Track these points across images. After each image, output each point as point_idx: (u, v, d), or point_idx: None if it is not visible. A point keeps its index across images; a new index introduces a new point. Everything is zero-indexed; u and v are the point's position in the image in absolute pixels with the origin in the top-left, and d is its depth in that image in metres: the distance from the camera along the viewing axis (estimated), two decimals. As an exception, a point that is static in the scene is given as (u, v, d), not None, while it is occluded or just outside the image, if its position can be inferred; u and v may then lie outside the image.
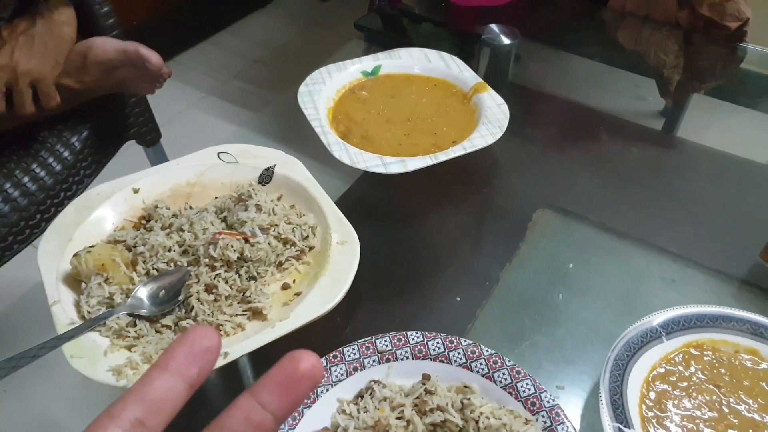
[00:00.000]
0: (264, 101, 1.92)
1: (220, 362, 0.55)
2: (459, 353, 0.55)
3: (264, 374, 0.23)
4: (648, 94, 1.03)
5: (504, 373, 0.53)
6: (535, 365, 0.59)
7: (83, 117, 0.95)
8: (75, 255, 0.63)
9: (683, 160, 0.88)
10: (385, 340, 0.57)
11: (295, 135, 0.90)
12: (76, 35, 0.86)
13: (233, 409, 0.23)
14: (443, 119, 0.89)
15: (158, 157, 1.11)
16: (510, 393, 0.52)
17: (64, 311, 0.60)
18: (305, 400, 0.53)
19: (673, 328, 0.53)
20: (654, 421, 0.47)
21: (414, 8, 1.38)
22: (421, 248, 0.76)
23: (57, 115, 0.91)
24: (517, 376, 0.52)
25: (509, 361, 0.54)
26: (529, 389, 0.51)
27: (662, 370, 0.51)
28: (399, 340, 0.57)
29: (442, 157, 0.77)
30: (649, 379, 0.50)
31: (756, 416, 0.48)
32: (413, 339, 0.57)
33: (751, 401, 0.49)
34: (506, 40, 0.99)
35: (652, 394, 0.49)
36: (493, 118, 0.84)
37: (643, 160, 0.89)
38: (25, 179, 0.86)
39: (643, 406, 0.48)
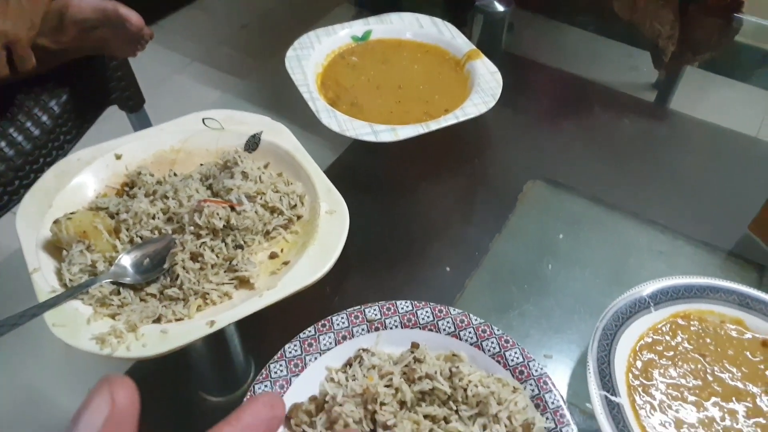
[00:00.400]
0: (251, 67, 1.89)
1: (207, 330, 0.55)
2: (448, 322, 0.56)
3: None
4: (642, 65, 1.02)
5: (492, 342, 0.53)
6: (524, 334, 0.59)
7: (62, 80, 0.92)
8: (55, 222, 0.62)
9: (675, 132, 0.89)
10: (375, 309, 0.57)
11: (283, 101, 0.89)
12: None
13: None
14: (435, 87, 0.88)
15: (142, 123, 1.09)
16: (498, 361, 0.52)
17: (44, 279, 0.59)
18: (294, 369, 0.53)
19: (661, 298, 0.54)
20: (640, 389, 0.48)
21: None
22: (411, 218, 0.76)
23: (34, 78, 0.88)
24: (505, 344, 0.53)
25: (498, 330, 0.54)
26: (518, 358, 0.52)
27: (649, 340, 0.52)
28: (388, 309, 0.57)
29: (433, 125, 0.77)
30: (637, 348, 0.51)
31: (739, 384, 0.49)
32: (402, 308, 0.57)
33: (734, 370, 0.50)
34: (500, 7, 0.98)
35: (639, 363, 0.50)
36: (486, 86, 0.83)
37: (635, 132, 0.89)
38: (2, 143, 0.84)
39: (630, 375, 0.49)
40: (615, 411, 0.46)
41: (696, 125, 0.89)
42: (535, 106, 0.93)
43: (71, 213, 0.63)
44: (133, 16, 0.84)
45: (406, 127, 0.77)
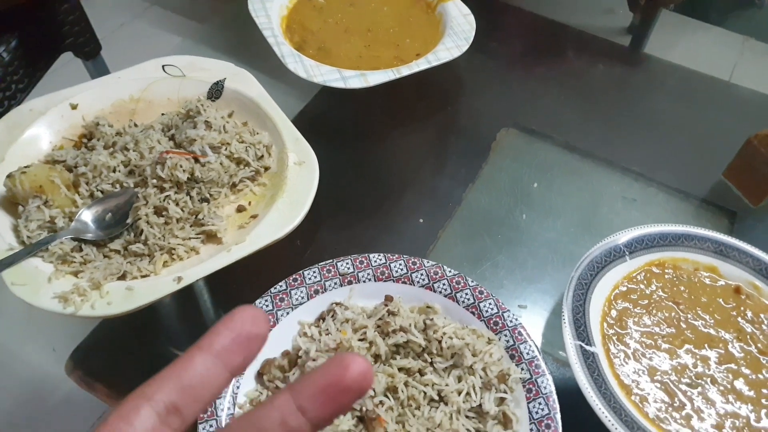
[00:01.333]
0: (212, 10, 1.78)
1: (175, 287, 0.52)
2: (422, 274, 0.54)
3: (309, 372, 0.20)
4: (617, 8, 0.98)
5: (467, 294, 0.52)
6: (498, 285, 0.58)
7: (9, 26, 0.85)
8: (8, 176, 0.58)
9: (649, 77, 0.86)
10: (347, 263, 0.55)
11: (246, 46, 0.83)
12: None
13: (270, 407, 0.20)
14: (406, 30, 0.83)
15: (99, 71, 1.02)
16: (473, 313, 0.51)
17: (1, 236, 0.55)
18: (264, 325, 0.51)
19: (636, 247, 0.53)
20: (614, 338, 0.47)
21: None
22: (382, 168, 0.73)
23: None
24: (479, 296, 0.52)
25: (472, 281, 0.53)
26: (492, 309, 0.51)
27: (624, 289, 0.51)
28: (361, 262, 0.55)
29: (405, 71, 0.73)
30: (611, 297, 0.50)
31: (711, 331, 0.49)
32: (375, 261, 0.55)
33: (707, 317, 0.49)
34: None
35: (614, 312, 0.49)
36: (458, 29, 0.79)
37: (609, 78, 0.86)
38: (-52, 94, 0.78)
39: (605, 324, 0.48)
40: (589, 360, 0.45)
41: (670, 70, 0.87)
42: (508, 51, 0.89)
43: (25, 167, 0.59)
44: None
45: (377, 72, 0.73)
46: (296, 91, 0.79)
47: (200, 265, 0.54)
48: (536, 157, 0.72)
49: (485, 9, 0.84)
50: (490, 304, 0.51)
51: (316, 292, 0.54)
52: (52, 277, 0.53)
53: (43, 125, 0.65)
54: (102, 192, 0.60)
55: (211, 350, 0.21)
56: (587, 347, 0.46)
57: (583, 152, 0.73)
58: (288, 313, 0.52)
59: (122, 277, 0.54)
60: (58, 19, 0.92)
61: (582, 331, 0.46)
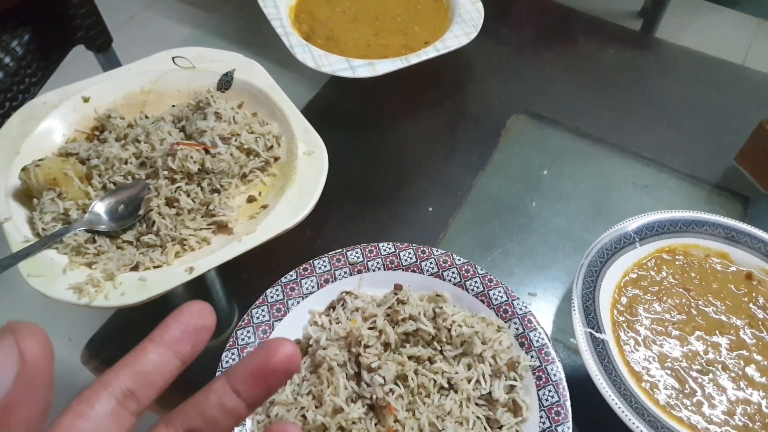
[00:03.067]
0: (222, 0, 1.78)
1: (187, 277, 0.52)
2: (431, 263, 0.53)
3: (242, 359, 0.23)
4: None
5: (476, 282, 0.51)
6: (507, 273, 0.57)
7: (23, 19, 0.85)
8: (23, 169, 0.58)
9: (661, 61, 0.84)
10: (356, 252, 0.55)
11: (255, 37, 0.83)
12: None
13: (208, 392, 0.23)
14: (414, 18, 0.82)
15: (111, 64, 1.02)
16: (482, 301, 0.50)
17: (17, 228, 0.55)
18: (276, 314, 0.51)
19: (646, 233, 0.52)
20: (624, 325, 0.47)
21: None
22: (391, 157, 0.72)
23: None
24: (489, 284, 0.51)
25: (481, 269, 0.52)
26: (501, 297, 0.50)
27: (634, 276, 0.50)
28: (370, 251, 0.55)
29: (413, 59, 0.72)
30: (621, 284, 0.49)
31: (723, 317, 0.48)
32: (385, 250, 0.55)
33: (718, 303, 0.49)
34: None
35: (624, 299, 0.48)
36: (467, 16, 0.78)
37: (619, 62, 0.84)
38: (-36, 88, 0.78)
39: (615, 311, 0.47)
40: (600, 347, 0.44)
41: (682, 53, 0.85)
42: (517, 37, 0.88)
43: (39, 159, 0.59)
44: None
45: (385, 61, 0.72)
46: (305, 81, 0.78)
47: (212, 255, 0.54)
48: (547, 143, 0.71)
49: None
50: (499, 291, 0.50)
51: (326, 281, 0.53)
52: (66, 268, 0.53)
53: (56, 118, 0.65)
54: (114, 184, 0.60)
55: (162, 341, 0.23)
56: (597, 334, 0.45)
57: (594, 138, 0.72)
58: (299, 303, 0.52)
59: (135, 268, 0.54)
60: (69, 12, 0.92)
61: (592, 319, 0.46)
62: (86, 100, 0.67)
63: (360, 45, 0.78)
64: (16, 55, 0.84)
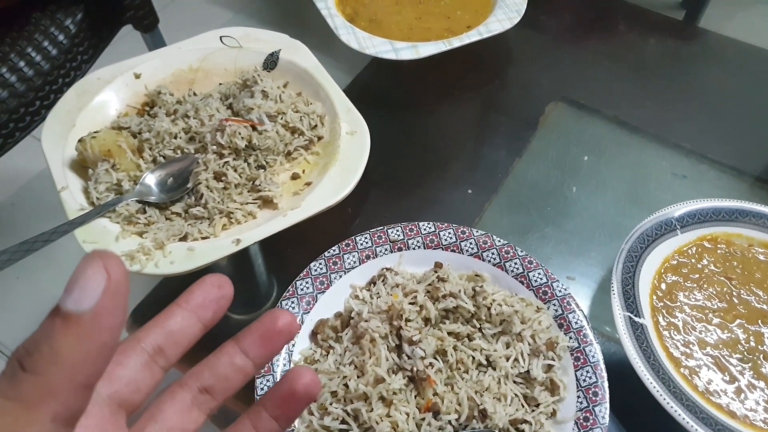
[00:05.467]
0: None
1: (233, 248, 0.53)
2: (471, 243, 0.53)
3: (247, 326, 0.26)
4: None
5: (516, 263, 0.51)
6: (545, 257, 0.57)
7: (75, -2, 0.86)
8: (80, 140, 0.59)
9: (703, 51, 0.82)
10: (397, 230, 0.55)
11: (298, 18, 0.83)
12: None
13: (220, 353, 0.26)
14: (457, 2, 0.81)
15: (156, 43, 1.03)
16: (521, 282, 0.50)
17: (73, 197, 0.57)
18: (319, 286, 0.52)
19: (688, 221, 0.51)
20: (664, 310, 0.46)
21: None
22: (431, 139, 0.72)
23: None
24: (528, 265, 0.51)
25: (521, 251, 0.52)
26: (541, 278, 0.50)
27: (675, 263, 0.49)
28: (411, 230, 0.55)
29: (456, 42, 0.71)
30: (662, 270, 0.48)
31: (765, 307, 0.47)
32: (425, 229, 0.55)
33: (761, 293, 0.47)
34: None
35: (664, 285, 0.48)
36: (510, 1, 0.76)
37: (661, 52, 0.82)
38: (21, 63, 0.80)
39: (654, 297, 0.47)
40: (638, 332, 0.44)
41: (725, 43, 0.82)
42: (558, 24, 0.86)
43: (95, 132, 0.60)
44: None
45: (428, 44, 0.71)
46: (348, 62, 0.78)
47: (257, 228, 0.55)
48: (585, 131, 0.70)
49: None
50: (539, 273, 0.50)
51: (368, 257, 0.54)
52: (119, 236, 0.54)
53: (109, 93, 0.66)
54: (164, 157, 0.61)
55: (187, 306, 0.25)
56: (636, 319, 0.44)
57: (633, 127, 0.71)
58: (341, 277, 0.53)
59: (183, 239, 0.55)
60: (120, -8, 0.93)
61: (631, 303, 0.45)
62: (137, 76, 0.68)
63: (403, 28, 0.77)
64: (69, 33, 0.85)
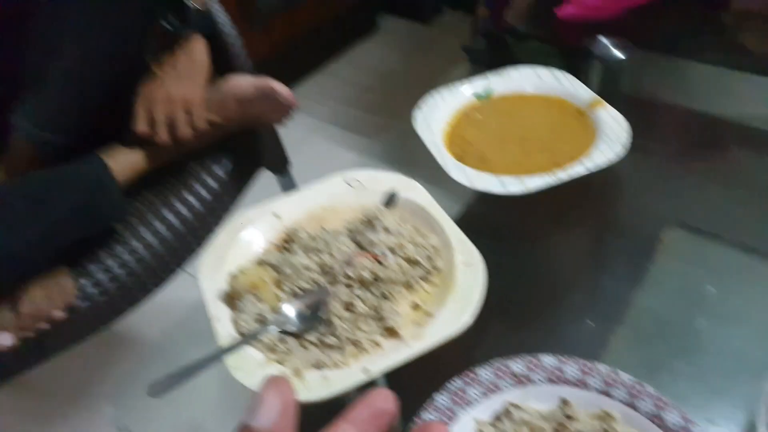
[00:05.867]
0: (377, 127, 1.96)
1: (363, 378, 0.56)
2: (596, 379, 0.52)
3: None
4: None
5: (647, 402, 0.49)
6: (679, 396, 0.54)
7: (223, 149, 1.02)
8: (231, 276, 0.67)
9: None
10: (519, 364, 0.55)
11: (409, 158, 0.91)
12: (212, 67, 0.92)
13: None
14: (560, 137, 0.85)
15: (288, 182, 1.17)
16: (656, 424, 0.48)
17: (223, 326, 0.63)
18: (446, 420, 0.53)
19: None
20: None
21: (519, 26, 1.35)
22: (544, 268, 0.73)
23: (202, 149, 0.97)
24: (662, 405, 0.49)
25: (651, 389, 0.50)
26: (677, 421, 0.47)
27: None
28: (533, 363, 0.55)
29: (563, 176, 0.74)
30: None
31: None
32: (548, 363, 0.55)
33: None
34: (617, 53, 0.94)
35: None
36: (612, 134, 0.80)
37: (780, 172, 0.80)
38: (180, 207, 0.94)
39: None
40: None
41: None
42: (665, 149, 0.87)
43: (243, 268, 0.68)
44: (284, 90, 0.91)
45: (535, 178, 0.75)
46: (457, 195, 0.83)
47: (385, 358, 0.58)
48: (708, 258, 0.68)
49: (637, 109, 0.85)
50: (674, 415, 0.48)
51: (491, 390, 0.54)
52: (262, 363, 0.59)
53: (254, 231, 0.75)
54: (300, 289, 0.67)
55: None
56: (795, 472, 0.41)
57: (764, 253, 0.67)
58: (465, 410, 0.53)
59: (317, 366, 0.59)
60: (260, 141, 1.08)
61: (786, 453, 0.42)
62: (277, 216, 0.77)
63: (509, 163, 0.82)
64: (219, 179, 0.99)
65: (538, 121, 0.90)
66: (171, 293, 0.98)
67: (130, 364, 0.95)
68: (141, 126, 0.86)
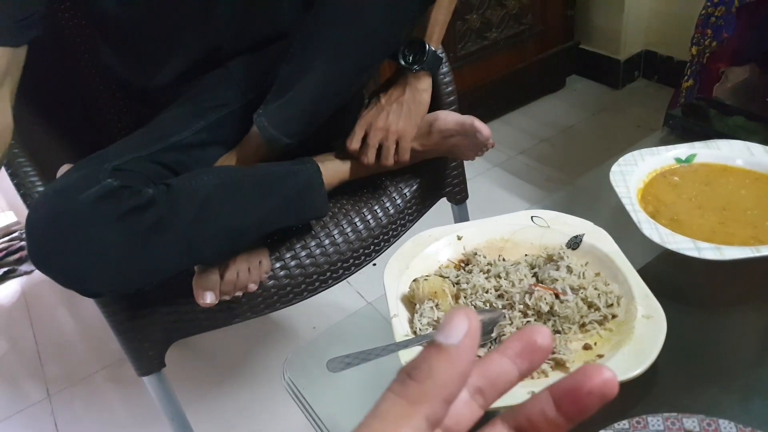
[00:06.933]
0: (547, 178, 2.01)
1: (524, 397, 0.62)
2: (781, 453, 0.53)
3: (564, 377, 0.27)
4: None
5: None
6: None
7: (414, 173, 1.15)
8: (414, 280, 0.77)
9: None
10: (694, 421, 0.57)
11: (604, 209, 0.95)
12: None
13: (535, 400, 0.28)
14: (765, 213, 0.85)
15: (462, 214, 1.27)
16: None
17: (400, 324, 0.73)
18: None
19: None
20: None
21: (727, 100, 1.34)
22: (728, 336, 0.73)
23: (397, 170, 1.11)
24: None
25: None
26: None
27: None
28: (708, 425, 0.57)
29: (765, 251, 0.74)
30: None
31: None
32: (725, 428, 0.56)
33: None
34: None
35: None
36: (832, 220, 0.78)
37: None
38: (368, 216, 1.08)
39: None
40: None
41: None
42: None
43: (426, 276, 0.78)
44: (485, 130, 1.01)
45: (734, 248, 0.76)
46: (642, 249, 0.86)
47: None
48: None
49: None
50: None
51: (660, 439, 0.57)
52: (431, 364, 0.68)
53: (438, 247, 0.85)
54: (475, 307, 0.75)
55: (506, 353, 0.28)
56: None
57: None
58: (628, 452, 0.57)
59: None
60: (446, 172, 1.20)
61: None
62: (459, 238, 0.87)
63: (705, 230, 0.83)
64: (405, 198, 1.12)
65: (741, 194, 0.90)
66: (330, 296, 1.11)
67: (314, 342, 1.09)
68: (354, 144, 1.03)
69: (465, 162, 1.19)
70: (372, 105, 1.04)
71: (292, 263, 1.01)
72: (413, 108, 1.02)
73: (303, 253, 1.02)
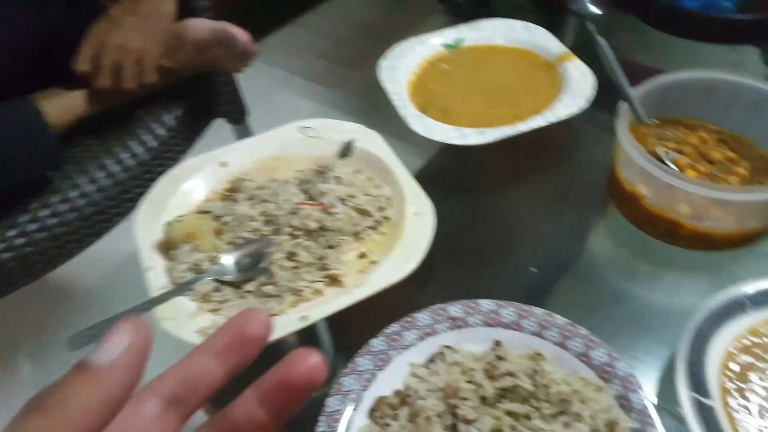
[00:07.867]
0: (345, 79, 1.99)
1: (300, 325, 0.61)
2: (531, 322, 0.58)
3: (269, 371, 0.25)
4: (747, 61, 0.98)
5: (577, 342, 0.55)
6: (609, 336, 0.60)
7: (175, 95, 1.04)
8: (167, 224, 0.71)
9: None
10: (457, 308, 0.60)
11: (376, 110, 0.95)
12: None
13: (239, 401, 0.26)
14: (525, 90, 0.90)
15: (244, 134, 1.20)
16: (583, 361, 0.53)
17: (156, 277, 0.67)
18: (378, 363, 0.58)
19: (760, 299, 0.53)
20: (735, 392, 0.47)
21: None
22: (498, 220, 0.78)
23: (151, 94, 1.00)
24: (590, 344, 0.54)
25: (583, 330, 0.55)
26: (603, 358, 0.53)
27: (747, 342, 0.51)
28: (471, 307, 0.60)
29: (522, 127, 0.79)
30: (732, 350, 0.50)
31: None
32: (485, 307, 0.60)
33: None
34: (595, 10, 0.98)
35: (735, 366, 0.49)
36: (577, 87, 0.84)
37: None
38: (124, 155, 0.97)
39: (724, 377, 0.48)
40: (707, 414, 0.45)
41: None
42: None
43: (181, 216, 0.72)
44: (242, 35, 0.93)
45: (495, 129, 0.79)
46: (420, 149, 0.87)
47: (324, 305, 0.62)
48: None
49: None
50: (601, 352, 0.53)
51: (427, 334, 0.59)
52: (195, 313, 0.63)
53: (197, 180, 0.78)
54: (242, 239, 0.71)
55: (210, 350, 0.25)
56: (704, 400, 0.46)
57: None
58: (400, 354, 0.58)
59: (254, 315, 0.64)
60: (215, 89, 1.11)
61: (698, 383, 0.47)
62: (224, 164, 0.80)
63: (472, 115, 0.86)
64: (167, 126, 1.02)
65: (505, 73, 0.94)
66: (108, 243, 1.00)
67: (53, 318, 0.97)
68: (81, 65, 0.88)
69: (260, 74, 1.09)
70: (102, 17, 0.90)
71: (33, 227, 0.88)
72: (153, 18, 0.90)
73: (44, 213, 0.89)
